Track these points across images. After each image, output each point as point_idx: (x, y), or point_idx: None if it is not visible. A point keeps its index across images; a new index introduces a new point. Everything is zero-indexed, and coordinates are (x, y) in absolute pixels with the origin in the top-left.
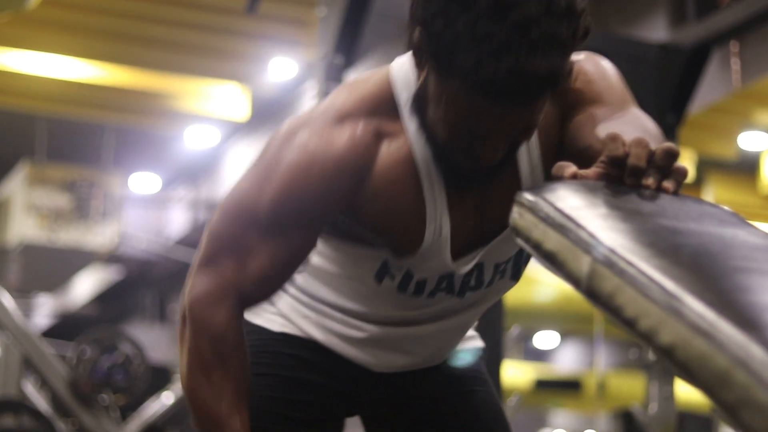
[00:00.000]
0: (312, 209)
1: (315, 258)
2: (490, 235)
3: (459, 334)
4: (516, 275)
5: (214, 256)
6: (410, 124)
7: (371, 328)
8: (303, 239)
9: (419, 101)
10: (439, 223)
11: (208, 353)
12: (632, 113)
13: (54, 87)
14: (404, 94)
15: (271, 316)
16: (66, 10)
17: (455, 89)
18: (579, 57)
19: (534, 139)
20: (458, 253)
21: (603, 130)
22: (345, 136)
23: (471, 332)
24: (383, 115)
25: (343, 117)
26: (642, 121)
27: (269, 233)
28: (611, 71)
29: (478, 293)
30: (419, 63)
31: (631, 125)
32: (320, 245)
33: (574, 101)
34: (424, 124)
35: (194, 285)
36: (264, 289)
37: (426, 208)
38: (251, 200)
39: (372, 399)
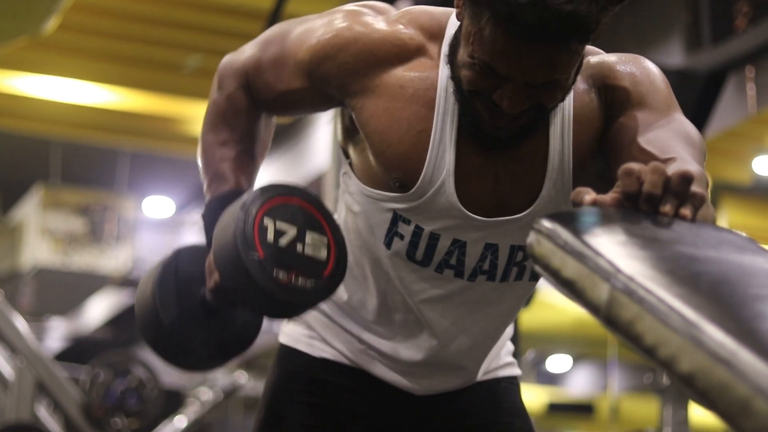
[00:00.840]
0: (331, 67)
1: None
2: (509, 210)
3: (484, 340)
4: (537, 275)
5: (256, 44)
6: (444, 63)
7: (387, 315)
8: (306, 89)
9: (454, 48)
10: (441, 157)
11: (222, 108)
12: (675, 120)
13: (69, 111)
14: (448, 37)
15: (311, 341)
16: (81, 35)
17: (483, 23)
18: (628, 58)
19: (569, 126)
20: (471, 209)
21: (644, 138)
22: (395, 30)
23: (509, 358)
24: (432, 40)
25: (403, 21)
26: (685, 127)
27: (291, 67)
28: (658, 74)
29: (492, 286)
30: (458, 6)
31: (672, 132)
32: (349, 192)
33: (619, 100)
34: (455, 73)
35: (233, 55)
36: (258, 95)
37: (430, 136)
38: (296, 34)
39: (409, 428)
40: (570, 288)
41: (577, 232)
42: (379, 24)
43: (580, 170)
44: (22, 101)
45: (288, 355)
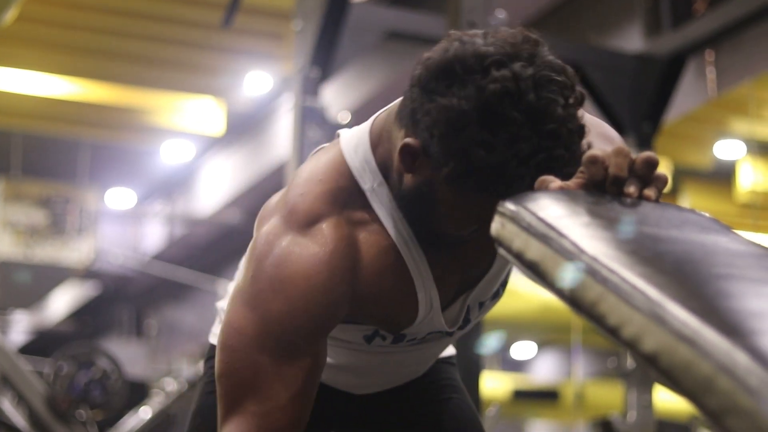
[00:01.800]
0: (316, 319)
1: None
2: (474, 280)
3: (441, 353)
4: (498, 296)
5: (235, 402)
6: (380, 209)
7: (351, 356)
8: (315, 352)
9: (405, 197)
10: (429, 297)
11: None
12: (593, 121)
13: (28, 103)
14: (367, 182)
15: None
16: (40, 27)
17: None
18: None
19: None
20: (446, 305)
21: None
22: (323, 240)
23: None
24: (350, 205)
25: (313, 220)
26: (604, 129)
27: (282, 356)
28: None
29: (467, 328)
30: (410, 168)
31: (598, 139)
32: None
33: None
34: (407, 212)
35: None
36: (296, 418)
37: (416, 288)
38: (254, 328)
39: (351, 421)
40: (534, 270)
41: (540, 214)
42: (303, 247)
43: None
44: None
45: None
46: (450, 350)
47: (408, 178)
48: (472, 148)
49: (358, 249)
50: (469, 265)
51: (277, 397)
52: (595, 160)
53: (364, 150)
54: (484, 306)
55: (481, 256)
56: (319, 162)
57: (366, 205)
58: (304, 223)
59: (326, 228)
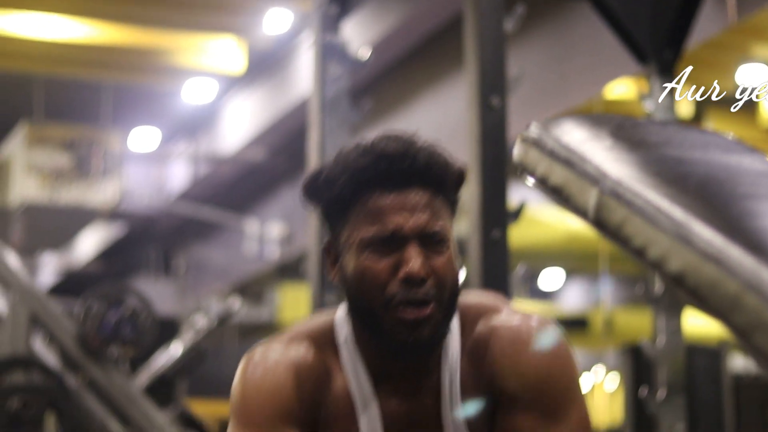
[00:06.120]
0: (290, 403)
1: None
2: None
3: None
4: None
5: None
6: (347, 361)
7: None
8: None
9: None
10: None
11: None
12: (563, 426)
13: (50, 48)
14: (342, 334)
15: None
16: None
17: (356, 208)
18: (524, 336)
19: (456, 395)
20: None
21: None
22: (300, 349)
23: None
24: (326, 348)
25: (295, 338)
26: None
27: None
28: (557, 366)
29: None
30: (330, 253)
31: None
32: None
33: (507, 400)
34: (359, 332)
35: None
36: None
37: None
38: None
39: None
40: (558, 194)
41: (563, 139)
42: (281, 350)
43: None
44: (3, 40)
45: None
46: None
47: (335, 278)
48: (322, 187)
49: (327, 378)
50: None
51: None
52: None
53: (346, 315)
54: None
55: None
56: (320, 314)
57: (336, 355)
58: (285, 338)
59: (304, 345)
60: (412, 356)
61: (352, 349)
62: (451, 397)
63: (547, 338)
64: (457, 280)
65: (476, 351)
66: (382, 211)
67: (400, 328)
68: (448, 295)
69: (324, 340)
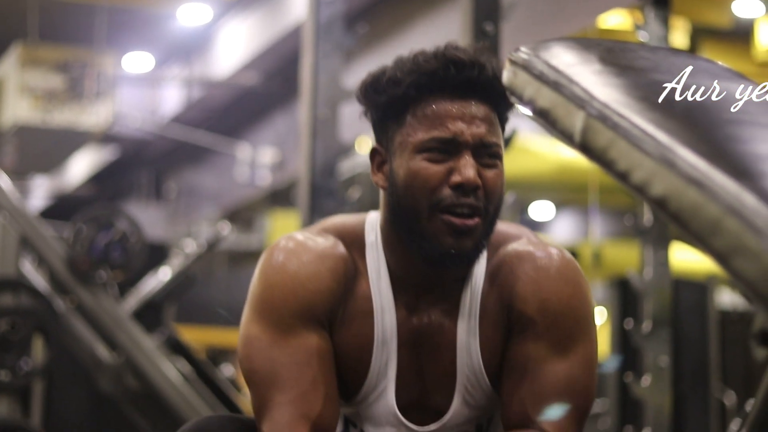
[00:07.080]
0: (304, 302)
1: None
2: (432, 411)
3: None
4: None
5: (264, 399)
6: (371, 262)
7: None
8: (317, 337)
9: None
10: (384, 364)
11: None
12: (569, 363)
13: None
14: (371, 237)
15: None
16: None
17: (416, 110)
18: (549, 263)
19: (475, 323)
20: (406, 411)
21: (528, 385)
22: (329, 243)
23: None
24: (353, 247)
25: (325, 231)
26: (573, 376)
27: (288, 341)
28: (574, 297)
29: None
30: (378, 156)
31: (556, 383)
32: None
33: (521, 325)
34: (398, 223)
35: None
36: (322, 401)
37: (373, 348)
38: (259, 327)
39: None
40: (545, 117)
41: (552, 61)
42: (309, 239)
43: (491, 360)
44: None
45: None
46: None
47: (380, 181)
48: (386, 86)
49: (347, 281)
50: (427, 374)
51: (298, 384)
52: None
53: (375, 218)
54: None
55: (434, 378)
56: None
57: (362, 256)
58: (315, 231)
59: (333, 239)
60: (452, 265)
61: (379, 254)
62: (469, 318)
63: (570, 270)
64: (503, 197)
65: (499, 274)
66: (443, 115)
67: (444, 235)
68: (493, 210)
69: (352, 239)
